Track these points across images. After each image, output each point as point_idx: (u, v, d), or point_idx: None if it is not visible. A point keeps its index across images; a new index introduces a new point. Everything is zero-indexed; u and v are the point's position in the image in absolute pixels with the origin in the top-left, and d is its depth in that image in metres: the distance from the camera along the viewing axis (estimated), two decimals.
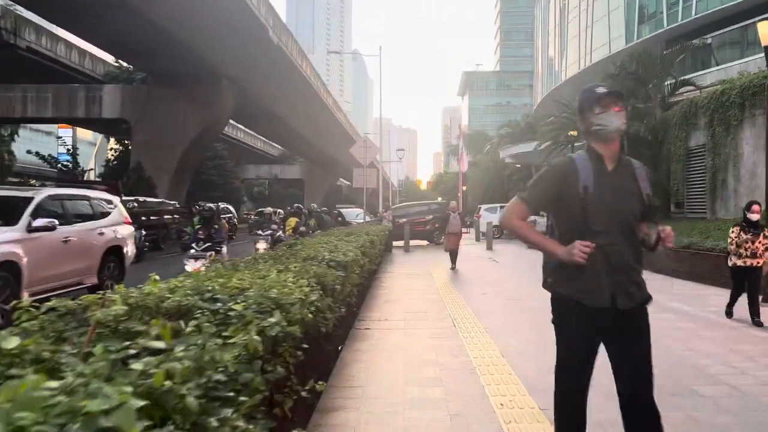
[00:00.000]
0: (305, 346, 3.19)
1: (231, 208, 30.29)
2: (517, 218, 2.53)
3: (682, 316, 7.29)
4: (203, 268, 3.60)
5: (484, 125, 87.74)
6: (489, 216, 24.48)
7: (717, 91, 13.27)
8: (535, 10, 72.54)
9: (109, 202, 10.05)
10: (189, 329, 2.16)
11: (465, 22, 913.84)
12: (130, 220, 10.56)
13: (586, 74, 42.49)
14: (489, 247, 18.95)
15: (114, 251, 9.48)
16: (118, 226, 9.78)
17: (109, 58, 37.76)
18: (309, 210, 15.68)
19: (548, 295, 2.62)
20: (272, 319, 2.36)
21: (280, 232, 11.91)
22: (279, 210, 23.13)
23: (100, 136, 53.25)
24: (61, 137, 35.91)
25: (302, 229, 12.40)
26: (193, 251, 8.95)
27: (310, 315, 3.20)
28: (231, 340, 2.10)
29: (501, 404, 3.88)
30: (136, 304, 2.41)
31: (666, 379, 4.35)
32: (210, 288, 2.78)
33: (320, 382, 3.01)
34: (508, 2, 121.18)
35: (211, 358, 1.66)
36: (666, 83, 17.08)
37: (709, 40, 32.26)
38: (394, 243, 19.08)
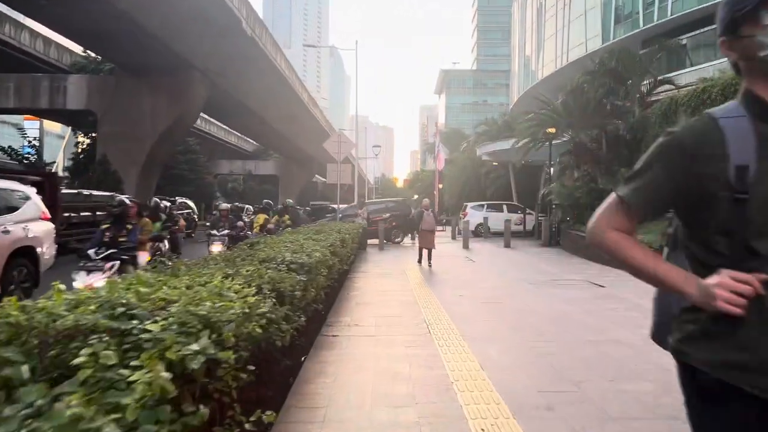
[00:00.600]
0: (252, 367, 2.67)
1: (190, 203, 28.03)
2: (613, 230, 1.45)
3: None
4: (102, 283, 2.94)
5: (461, 124, 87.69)
6: (475, 214, 24.16)
7: (698, 89, 13.04)
8: (513, 8, 72.70)
9: (22, 194, 8.40)
10: (81, 359, 1.62)
11: (442, 19, 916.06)
12: (50, 216, 8.97)
13: (562, 73, 42.59)
14: (465, 246, 18.55)
15: (24, 253, 7.95)
16: (31, 223, 8.20)
17: (77, 48, 36.45)
18: (284, 206, 14.97)
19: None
20: (195, 346, 1.82)
21: (248, 231, 11.25)
22: (248, 207, 22.24)
23: (69, 129, 51.56)
24: (21, 128, 34.48)
25: (270, 226, 11.77)
26: (86, 261, 6.64)
27: (258, 330, 2.68)
28: (131, 378, 1.57)
29: (482, 429, 3.40)
30: (18, 323, 1.85)
31: (665, 397, 3.93)
32: (126, 301, 2.22)
33: (268, 413, 2.48)
34: (485, 0, 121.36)
35: (72, 419, 1.13)
36: (645, 82, 16.87)
37: (684, 41, 32.43)
38: (369, 241, 18.59)
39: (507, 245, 18.47)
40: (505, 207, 24.91)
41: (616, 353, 5.30)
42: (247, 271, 3.62)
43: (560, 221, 17.52)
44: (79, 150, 35.92)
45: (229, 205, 12.58)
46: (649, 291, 1.58)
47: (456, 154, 37.20)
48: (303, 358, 4.99)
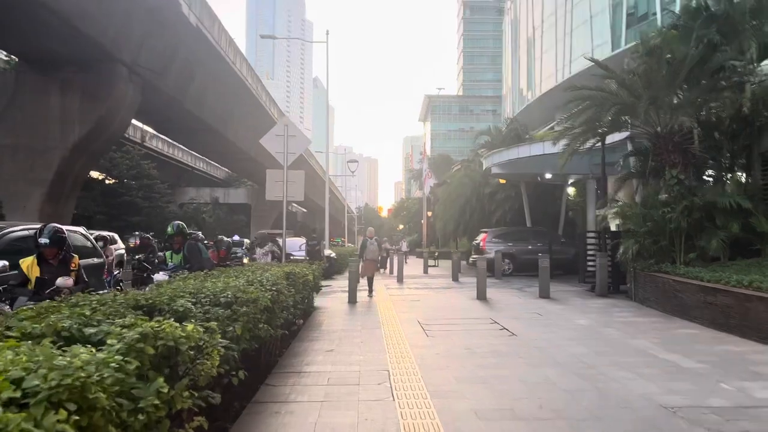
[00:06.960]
0: None
1: None
2: None
3: None
4: None
5: (447, 151, 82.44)
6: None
7: None
8: (504, 21, 68.29)
9: None
10: None
11: (426, 49, 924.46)
12: None
13: (565, 86, 37.27)
14: (481, 297, 12.03)
15: None
16: None
17: None
18: (182, 234, 8.00)
19: None
20: None
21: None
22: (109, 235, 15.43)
23: None
24: None
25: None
26: None
27: None
28: None
29: None
30: None
31: None
32: None
33: None
34: (470, 25, 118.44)
35: None
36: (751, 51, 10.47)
37: None
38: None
39: (545, 295, 12.03)
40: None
41: None
42: None
43: (632, 258, 11.00)
44: None
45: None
46: None
47: (451, 173, 31.01)
48: None
